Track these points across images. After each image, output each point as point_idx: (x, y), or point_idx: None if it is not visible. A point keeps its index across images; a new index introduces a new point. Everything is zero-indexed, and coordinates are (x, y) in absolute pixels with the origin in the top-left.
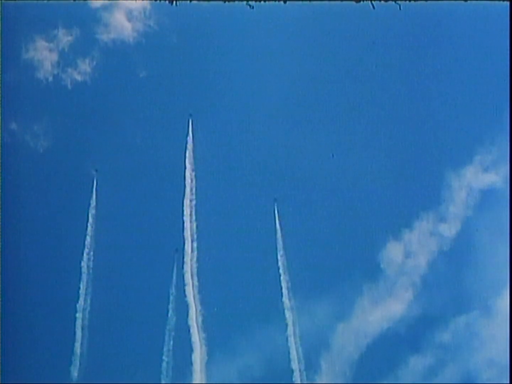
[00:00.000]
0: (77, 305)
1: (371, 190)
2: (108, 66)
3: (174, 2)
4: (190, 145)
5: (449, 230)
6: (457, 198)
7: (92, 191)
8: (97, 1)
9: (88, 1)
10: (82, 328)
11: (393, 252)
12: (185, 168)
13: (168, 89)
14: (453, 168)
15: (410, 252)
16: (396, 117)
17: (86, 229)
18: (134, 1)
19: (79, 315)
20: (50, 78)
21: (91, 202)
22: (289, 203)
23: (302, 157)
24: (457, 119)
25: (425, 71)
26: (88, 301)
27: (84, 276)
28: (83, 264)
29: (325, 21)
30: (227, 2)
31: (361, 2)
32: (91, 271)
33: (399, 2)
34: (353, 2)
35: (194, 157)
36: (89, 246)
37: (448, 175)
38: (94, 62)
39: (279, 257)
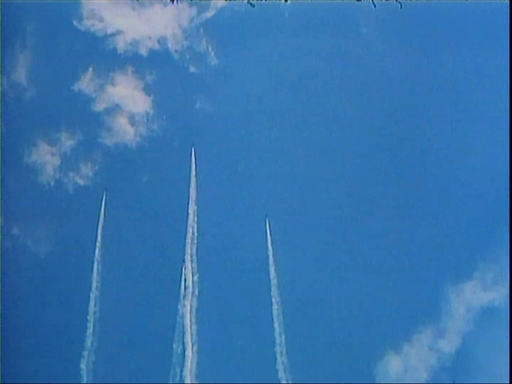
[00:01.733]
0: None
1: (370, 301)
2: (111, 170)
3: (175, 1)
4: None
5: (448, 345)
6: (456, 313)
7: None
8: (100, 105)
9: (91, 105)
10: None
11: (391, 365)
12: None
13: (171, 194)
14: (452, 284)
15: (408, 367)
16: (394, 221)
17: (86, 331)
18: (136, 106)
19: None
20: (52, 183)
21: (92, 282)
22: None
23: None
24: (458, 232)
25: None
26: None
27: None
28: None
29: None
30: (227, 1)
31: (362, 0)
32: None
33: (400, 1)
34: (355, 1)
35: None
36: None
37: (447, 290)
38: (97, 167)
39: (279, 370)
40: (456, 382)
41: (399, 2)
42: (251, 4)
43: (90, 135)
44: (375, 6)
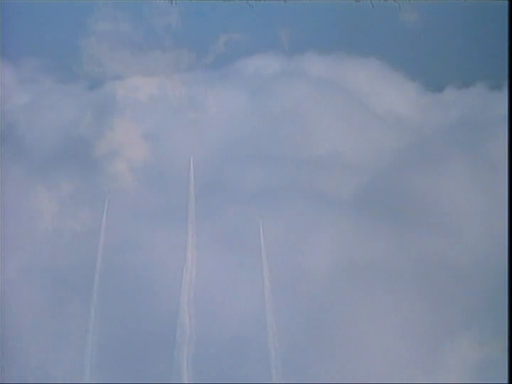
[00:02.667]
0: None
1: (366, 355)
2: (109, 216)
3: (174, 1)
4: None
5: None
6: (452, 367)
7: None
8: (99, 150)
9: (90, 150)
10: None
11: None
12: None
13: (170, 239)
14: (449, 337)
15: None
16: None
17: (82, 377)
18: (135, 152)
19: None
20: (50, 229)
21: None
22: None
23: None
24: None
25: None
26: None
27: None
28: None
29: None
30: (227, 1)
31: (361, 0)
32: None
33: (398, 1)
34: (353, 1)
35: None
36: None
37: (443, 344)
38: (94, 212)
39: None
40: None
41: (398, 3)
42: (249, 5)
43: (89, 181)
44: (373, 6)
